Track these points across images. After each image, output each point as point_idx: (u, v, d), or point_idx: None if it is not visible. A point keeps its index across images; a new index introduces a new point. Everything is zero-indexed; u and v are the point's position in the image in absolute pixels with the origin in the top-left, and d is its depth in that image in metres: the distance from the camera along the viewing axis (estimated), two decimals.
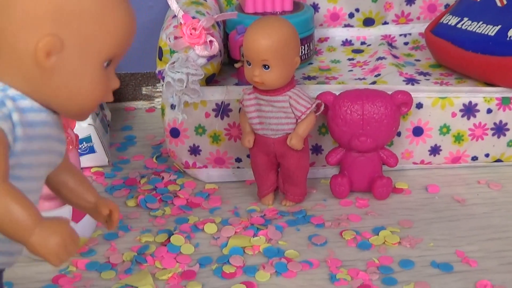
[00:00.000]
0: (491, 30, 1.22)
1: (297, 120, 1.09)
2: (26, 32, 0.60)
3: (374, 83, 1.26)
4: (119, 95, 1.55)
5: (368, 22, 1.51)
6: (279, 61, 1.05)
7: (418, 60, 1.42)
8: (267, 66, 1.05)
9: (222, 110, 1.18)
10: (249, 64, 1.07)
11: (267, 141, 1.11)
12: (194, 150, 1.22)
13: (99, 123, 1.31)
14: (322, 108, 1.11)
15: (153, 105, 1.58)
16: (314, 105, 1.09)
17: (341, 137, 1.15)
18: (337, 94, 1.15)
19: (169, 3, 1.19)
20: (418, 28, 1.50)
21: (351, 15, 1.50)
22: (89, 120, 1.25)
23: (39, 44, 0.60)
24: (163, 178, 1.26)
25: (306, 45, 1.36)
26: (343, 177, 1.16)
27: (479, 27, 1.25)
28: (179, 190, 1.21)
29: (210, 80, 1.23)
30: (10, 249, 0.65)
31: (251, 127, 1.12)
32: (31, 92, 0.62)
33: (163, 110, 1.21)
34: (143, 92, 1.58)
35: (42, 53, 0.60)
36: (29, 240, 0.56)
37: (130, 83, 1.56)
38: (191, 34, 1.17)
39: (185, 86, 1.14)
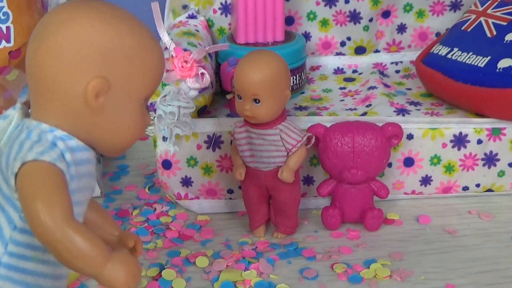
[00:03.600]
0: (480, 61, 1.23)
1: (288, 153, 1.10)
2: (76, 75, 0.65)
3: (365, 113, 1.27)
4: None
5: (360, 50, 1.52)
6: (270, 95, 1.05)
7: (409, 89, 1.42)
8: (257, 100, 1.06)
9: (214, 142, 1.19)
10: (240, 98, 1.08)
11: (259, 173, 1.12)
12: (186, 182, 1.22)
13: None
14: (313, 140, 1.12)
15: (146, 133, 1.59)
16: (305, 138, 1.10)
17: (332, 169, 1.15)
18: (327, 126, 1.15)
19: (161, 36, 1.20)
20: (409, 56, 1.51)
21: (342, 44, 1.51)
22: None
23: (89, 86, 0.65)
24: (155, 209, 1.26)
25: (298, 75, 1.37)
26: (334, 209, 1.17)
27: (469, 57, 1.25)
28: (171, 222, 1.22)
29: (202, 112, 1.24)
30: (57, 272, 0.69)
31: (243, 159, 1.12)
32: (76, 132, 0.67)
33: (155, 142, 1.21)
34: None
35: (91, 94, 0.66)
36: (102, 274, 0.61)
37: None
38: (182, 67, 1.17)
39: (177, 119, 1.14)
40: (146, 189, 1.33)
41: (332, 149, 1.14)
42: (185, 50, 1.21)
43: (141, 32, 0.69)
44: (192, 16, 1.43)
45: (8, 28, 1.18)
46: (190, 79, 1.18)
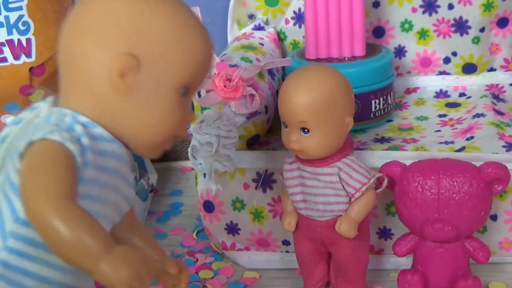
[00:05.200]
0: None
1: (350, 199, 0.84)
2: (101, 51, 0.59)
3: (462, 149, 0.98)
4: (175, 153, 1.36)
5: (469, 68, 1.23)
6: (322, 124, 0.81)
7: None
8: (306, 130, 0.82)
9: (262, 180, 0.95)
10: (286, 127, 0.84)
11: (313, 224, 0.87)
12: (232, 229, 0.99)
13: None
14: (385, 183, 0.86)
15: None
16: (373, 180, 0.84)
17: (411, 221, 0.88)
18: (406, 164, 0.88)
19: None
20: None
21: (446, 60, 1.23)
22: None
23: (115, 63, 0.59)
24: (197, 260, 1.04)
25: (382, 98, 1.10)
26: (414, 274, 0.89)
27: None
28: (212, 277, 0.99)
29: (253, 142, 1.01)
30: (65, 281, 0.61)
31: (294, 205, 0.88)
32: (101, 119, 0.60)
33: (196, 178, 1.00)
34: None
35: (116, 73, 0.59)
36: (98, 269, 0.52)
37: (186, 140, 1.36)
38: (225, 86, 0.95)
39: (215, 151, 0.92)
40: (194, 234, 1.12)
41: (411, 196, 0.87)
42: (234, 66, 0.98)
43: (181, 9, 0.62)
44: (259, 28, 1.21)
45: (28, 40, 1.01)
46: (235, 102, 0.95)
